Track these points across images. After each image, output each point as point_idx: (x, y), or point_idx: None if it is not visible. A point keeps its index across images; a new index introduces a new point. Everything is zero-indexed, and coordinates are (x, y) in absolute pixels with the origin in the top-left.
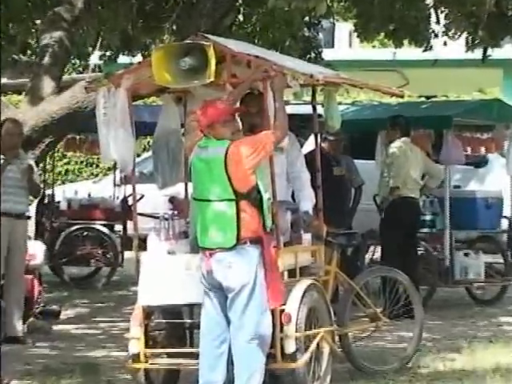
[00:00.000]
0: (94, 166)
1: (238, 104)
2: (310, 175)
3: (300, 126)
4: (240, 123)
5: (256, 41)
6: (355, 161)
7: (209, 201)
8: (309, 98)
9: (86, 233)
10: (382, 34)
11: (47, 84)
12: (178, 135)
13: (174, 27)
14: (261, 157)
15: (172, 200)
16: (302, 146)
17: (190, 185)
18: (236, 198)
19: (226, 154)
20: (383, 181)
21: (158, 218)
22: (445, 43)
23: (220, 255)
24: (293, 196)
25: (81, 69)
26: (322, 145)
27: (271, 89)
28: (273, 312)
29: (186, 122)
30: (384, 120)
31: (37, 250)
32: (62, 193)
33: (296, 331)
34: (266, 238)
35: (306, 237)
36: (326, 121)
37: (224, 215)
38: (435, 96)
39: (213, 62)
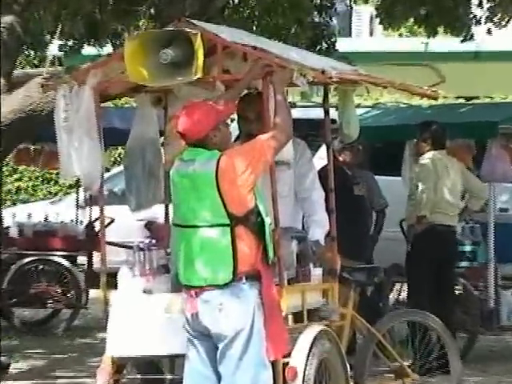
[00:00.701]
0: (52, 182)
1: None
2: (324, 195)
3: (309, 133)
4: (230, 131)
5: (254, 28)
6: (377, 177)
7: (195, 227)
8: (319, 100)
9: (41, 266)
10: (411, 19)
11: None
12: (157, 145)
13: (152, 10)
14: (259, 169)
15: (149, 226)
16: None
17: (171, 207)
18: (231, 223)
19: (217, 168)
20: (411, 203)
21: (131, 248)
22: (489, 31)
23: (209, 295)
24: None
25: (36, 62)
26: (338, 157)
27: (271, 84)
28: (274, 365)
29: (167, 128)
30: (413, 127)
31: None
32: (12, 216)
33: None
34: (266, 274)
35: (316, 272)
36: (340, 128)
37: (215, 244)
38: (477, 97)
39: (200, 54)
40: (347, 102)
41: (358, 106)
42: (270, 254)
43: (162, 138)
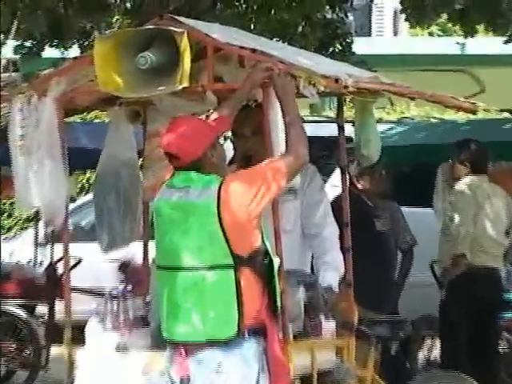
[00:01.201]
0: (6, 215)
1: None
2: (338, 230)
3: (319, 155)
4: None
5: (253, 26)
6: (403, 209)
7: (188, 269)
8: (332, 114)
9: None
10: (444, 16)
11: None
12: (134, 169)
13: (128, 5)
14: (267, 200)
15: (124, 268)
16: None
17: (152, 245)
18: (235, 265)
19: (219, 197)
20: (446, 240)
21: (102, 295)
22: None
23: (205, 353)
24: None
25: None
26: (355, 184)
27: (276, 95)
28: None
29: (147, 148)
30: (447, 147)
31: None
32: None
33: None
34: (272, 327)
35: (329, 325)
36: (358, 148)
37: (216, 290)
38: None
39: (187, 58)
40: (366, 116)
41: (380, 121)
42: (279, 302)
43: (141, 160)
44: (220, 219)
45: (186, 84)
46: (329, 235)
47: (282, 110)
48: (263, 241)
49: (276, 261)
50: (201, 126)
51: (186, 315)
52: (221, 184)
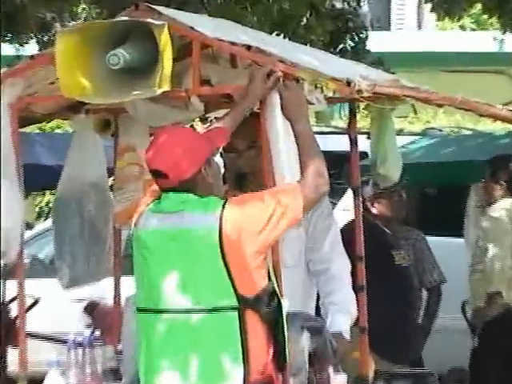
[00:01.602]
0: None
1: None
2: (349, 265)
3: (328, 174)
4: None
5: (247, 18)
6: (429, 239)
7: (179, 312)
8: (343, 124)
9: None
10: (478, 6)
11: None
12: (103, 191)
13: None
14: (279, 233)
15: (91, 310)
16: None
17: (125, 282)
18: (239, 307)
19: (221, 225)
20: (478, 276)
21: (64, 342)
22: None
23: None
24: (318, 302)
25: None
26: (371, 209)
27: (282, 105)
28: None
29: (118, 165)
30: (481, 164)
31: None
32: None
33: None
34: (279, 381)
35: (338, 379)
36: (374, 165)
37: (214, 338)
38: None
39: (168, 56)
40: (384, 127)
41: (401, 132)
42: (287, 351)
43: (111, 179)
44: (223, 251)
45: (166, 88)
46: (338, 271)
47: (293, 128)
48: (270, 279)
49: (285, 303)
50: (195, 138)
51: (175, 368)
52: (224, 207)
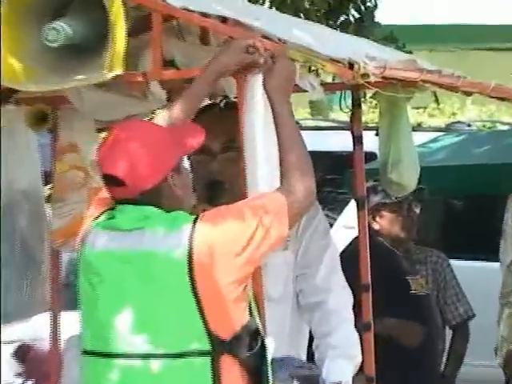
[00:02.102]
0: None
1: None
2: (352, 297)
3: (324, 180)
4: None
5: None
6: (454, 263)
7: (138, 357)
8: (344, 118)
9: None
10: None
11: None
12: (37, 201)
13: None
14: (266, 250)
15: (21, 354)
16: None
17: (66, 318)
18: (213, 351)
19: (191, 247)
20: None
21: None
22: None
23: None
24: (310, 346)
25: None
26: (376, 226)
27: (265, 89)
28: None
29: (58, 170)
30: None
31: None
32: None
33: None
34: None
35: None
36: (384, 169)
37: None
38: None
39: (120, 31)
40: (397, 120)
41: (419, 128)
42: None
43: (48, 187)
44: (192, 280)
45: (118, 70)
46: (337, 304)
47: (275, 116)
48: (252, 314)
49: (270, 345)
50: (160, 136)
51: None
52: (194, 224)
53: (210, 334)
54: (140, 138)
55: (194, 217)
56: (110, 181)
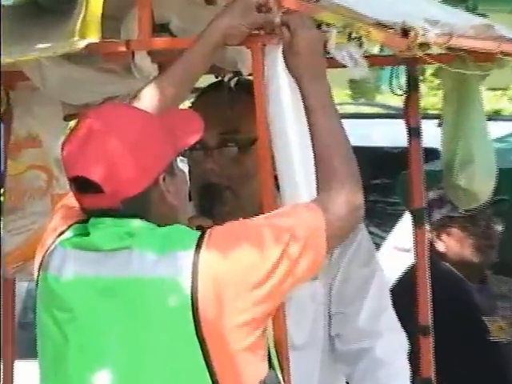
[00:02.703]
0: None
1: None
2: (406, 342)
3: (369, 186)
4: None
5: None
6: None
7: None
8: (396, 103)
9: None
10: None
11: None
12: None
13: None
14: (289, 286)
15: None
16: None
17: (21, 370)
18: None
19: (195, 279)
20: None
21: None
22: None
23: None
24: None
25: None
26: (441, 247)
27: (288, 70)
28: None
29: (11, 169)
30: None
31: None
32: None
33: None
34: None
35: None
36: (449, 172)
37: None
38: None
39: None
40: (467, 106)
41: (497, 116)
42: None
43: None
44: (198, 322)
45: (94, 38)
46: (387, 353)
47: (305, 102)
48: (272, 366)
49: None
50: (149, 127)
51: None
52: (198, 245)
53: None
54: (121, 128)
55: (197, 236)
56: (82, 186)
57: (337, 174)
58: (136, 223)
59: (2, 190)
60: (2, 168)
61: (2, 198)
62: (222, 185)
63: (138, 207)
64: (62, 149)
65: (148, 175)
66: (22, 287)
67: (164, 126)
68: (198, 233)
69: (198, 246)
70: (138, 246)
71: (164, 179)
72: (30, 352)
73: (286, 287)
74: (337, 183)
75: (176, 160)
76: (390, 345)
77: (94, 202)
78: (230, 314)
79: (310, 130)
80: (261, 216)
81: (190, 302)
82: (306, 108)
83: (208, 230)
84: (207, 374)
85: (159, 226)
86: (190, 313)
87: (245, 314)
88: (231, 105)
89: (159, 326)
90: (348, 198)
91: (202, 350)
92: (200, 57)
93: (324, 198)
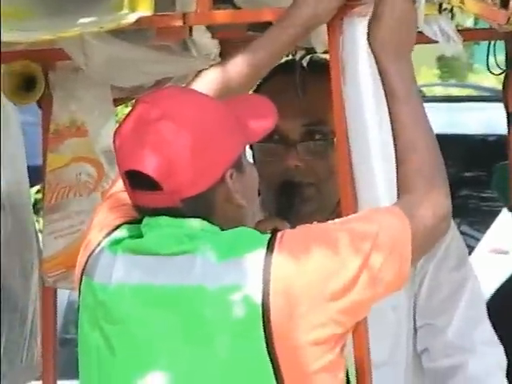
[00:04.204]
0: None
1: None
2: (504, 359)
3: (459, 179)
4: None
5: None
6: None
7: None
8: (492, 83)
9: None
10: None
11: None
12: (22, 209)
13: None
14: (369, 302)
15: None
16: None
17: None
18: None
19: (266, 289)
20: None
21: None
22: None
23: None
24: None
25: None
26: None
27: (369, 44)
28: None
29: (52, 162)
30: None
31: None
32: None
33: None
34: None
35: None
36: None
37: None
38: None
39: None
40: None
41: None
42: None
43: (36, 189)
44: (269, 333)
45: (145, 11)
46: (481, 370)
47: (385, 86)
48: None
49: None
50: (215, 115)
51: None
52: (269, 250)
53: None
54: (184, 116)
55: (266, 239)
56: (136, 181)
57: (422, 174)
58: (197, 224)
59: (41, 187)
60: (41, 161)
61: (39, 196)
62: (305, 182)
63: (200, 207)
64: (114, 138)
65: (214, 172)
66: (62, 298)
67: (231, 113)
68: (268, 236)
69: (270, 250)
70: (200, 251)
71: (231, 176)
72: (71, 371)
73: (367, 301)
74: (422, 186)
75: (245, 153)
76: (485, 361)
77: (151, 201)
78: (306, 328)
79: (390, 120)
80: (338, 220)
81: (260, 312)
82: (387, 93)
83: (279, 232)
84: (273, 375)
85: (222, 228)
86: (261, 325)
87: (322, 328)
88: (308, 89)
89: (223, 339)
90: (435, 203)
91: (274, 369)
92: (287, 38)
93: (407, 203)
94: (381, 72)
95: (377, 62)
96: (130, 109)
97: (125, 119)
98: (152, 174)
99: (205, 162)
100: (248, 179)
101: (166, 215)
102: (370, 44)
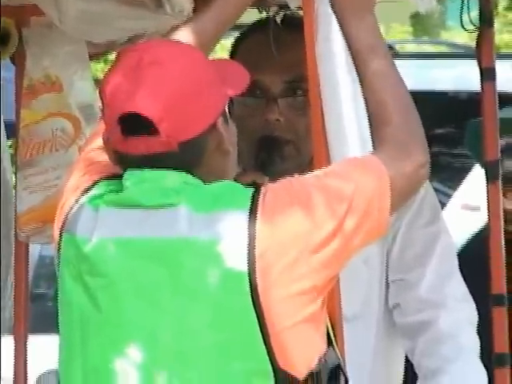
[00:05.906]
0: None
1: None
2: (475, 315)
3: (432, 136)
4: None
5: None
6: None
7: None
8: (465, 40)
9: None
10: None
11: None
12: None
13: None
14: (351, 252)
15: None
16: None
17: (36, 345)
18: None
19: (252, 242)
20: None
21: None
22: None
23: None
24: None
25: None
26: (509, 205)
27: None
28: None
29: (26, 117)
30: None
31: None
32: None
33: None
34: None
35: None
36: None
37: None
38: None
39: None
40: None
41: None
42: None
43: (8, 144)
44: (254, 286)
45: None
46: (453, 326)
47: (349, 41)
48: (331, 343)
49: None
50: (204, 64)
51: None
52: (254, 203)
53: (276, 371)
54: (174, 62)
55: (250, 193)
56: (131, 127)
57: (394, 125)
58: (180, 177)
59: (14, 141)
60: (14, 117)
61: (11, 151)
62: (285, 138)
63: (193, 153)
64: (103, 87)
65: (207, 117)
66: (33, 253)
67: (214, 66)
68: (251, 190)
69: (254, 206)
70: (186, 204)
71: (221, 122)
72: (41, 326)
73: (351, 249)
74: (395, 136)
75: (227, 105)
76: (457, 316)
77: (145, 146)
78: (289, 280)
79: (358, 78)
80: (317, 172)
81: (246, 264)
82: (352, 51)
83: (262, 188)
84: (263, 345)
85: (204, 182)
86: (247, 278)
87: (306, 279)
88: (283, 44)
89: (209, 291)
90: (412, 151)
91: (259, 320)
92: None
93: (384, 152)
94: (342, 30)
95: (338, 21)
96: (101, 65)
97: (112, 69)
98: (150, 115)
99: (199, 107)
100: (231, 130)
101: (157, 163)
102: (331, 5)
